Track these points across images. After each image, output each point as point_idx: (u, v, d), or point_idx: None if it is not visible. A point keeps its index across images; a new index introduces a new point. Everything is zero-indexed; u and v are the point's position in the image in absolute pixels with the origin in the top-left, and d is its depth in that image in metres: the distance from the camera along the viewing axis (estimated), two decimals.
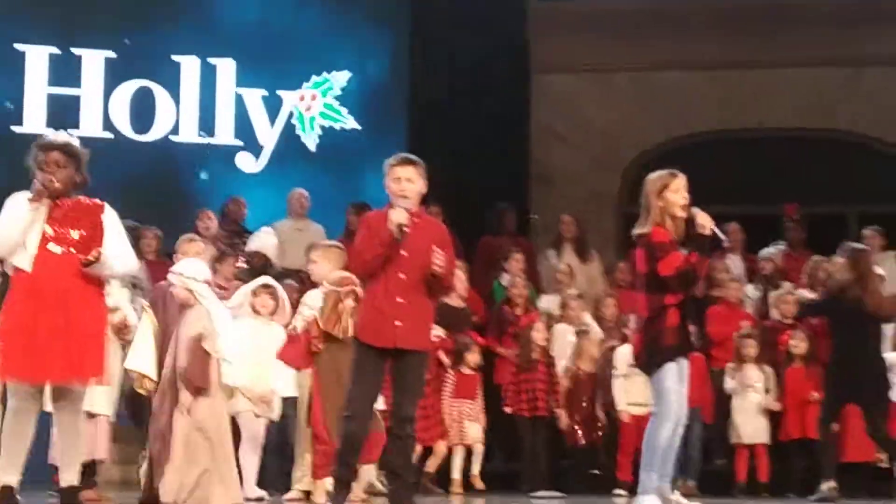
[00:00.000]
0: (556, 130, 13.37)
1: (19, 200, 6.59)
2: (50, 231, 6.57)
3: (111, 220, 6.74)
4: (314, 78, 12.79)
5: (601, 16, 13.25)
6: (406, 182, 6.71)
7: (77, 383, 6.61)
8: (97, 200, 6.75)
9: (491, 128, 12.55)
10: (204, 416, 7.02)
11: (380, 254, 6.65)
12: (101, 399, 7.76)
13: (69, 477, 6.66)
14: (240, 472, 7.45)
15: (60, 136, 6.82)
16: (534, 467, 9.84)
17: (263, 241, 11.21)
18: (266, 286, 8.68)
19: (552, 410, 9.89)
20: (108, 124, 12.25)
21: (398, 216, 6.60)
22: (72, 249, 6.57)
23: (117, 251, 6.67)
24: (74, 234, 6.61)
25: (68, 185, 6.65)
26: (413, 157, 6.82)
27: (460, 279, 9.86)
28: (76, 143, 6.78)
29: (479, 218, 11.85)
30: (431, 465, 9.84)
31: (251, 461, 8.48)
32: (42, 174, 6.59)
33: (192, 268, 7.57)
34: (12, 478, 6.59)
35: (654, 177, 7.10)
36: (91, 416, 7.69)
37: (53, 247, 6.57)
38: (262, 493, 8.39)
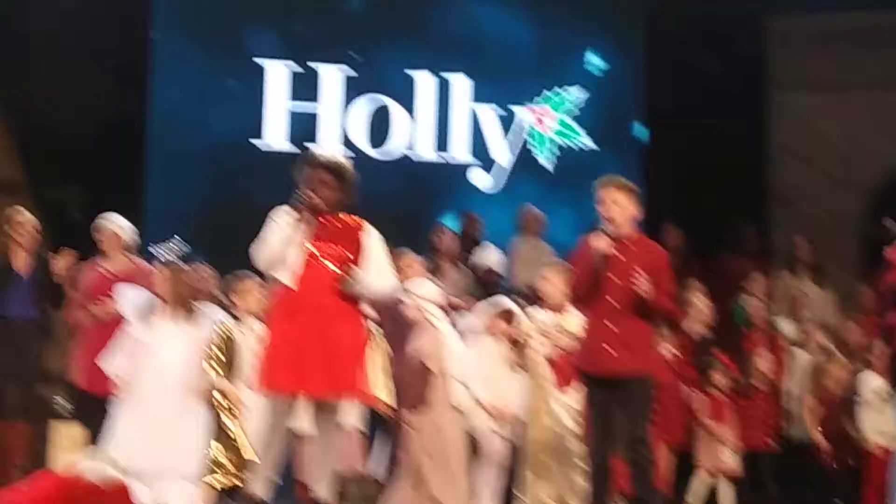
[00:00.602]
0: (795, 149, 13.07)
1: (282, 215, 6.65)
2: (312, 248, 6.62)
3: (371, 239, 6.76)
4: (545, 93, 12.74)
5: (840, 32, 12.91)
6: (612, 205, 6.64)
7: (335, 398, 6.65)
8: (358, 219, 6.77)
9: (726, 146, 12.32)
10: (429, 436, 7.04)
11: (584, 280, 6.60)
12: (352, 413, 7.83)
13: (321, 491, 6.73)
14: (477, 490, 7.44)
15: (328, 154, 6.87)
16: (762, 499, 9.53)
17: (490, 256, 11.20)
18: (506, 311, 8.61)
19: (770, 440, 9.60)
20: (345, 140, 12.39)
21: (598, 241, 6.55)
22: (333, 266, 6.62)
23: (374, 271, 6.69)
24: (335, 252, 6.65)
25: (332, 202, 6.69)
26: (620, 179, 6.76)
27: (700, 302, 9.70)
28: (345, 161, 6.81)
29: (716, 238, 11.65)
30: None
31: (489, 479, 8.45)
32: (306, 190, 6.65)
33: (423, 288, 7.61)
34: (262, 489, 6.72)
35: None
36: (343, 429, 7.76)
37: (315, 263, 6.62)
38: None
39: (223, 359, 7.33)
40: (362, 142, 12.41)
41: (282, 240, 6.60)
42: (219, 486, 7.48)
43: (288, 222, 6.62)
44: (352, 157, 11.96)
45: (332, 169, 6.72)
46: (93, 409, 8.83)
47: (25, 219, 9.44)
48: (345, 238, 6.69)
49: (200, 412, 7.36)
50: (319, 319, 6.56)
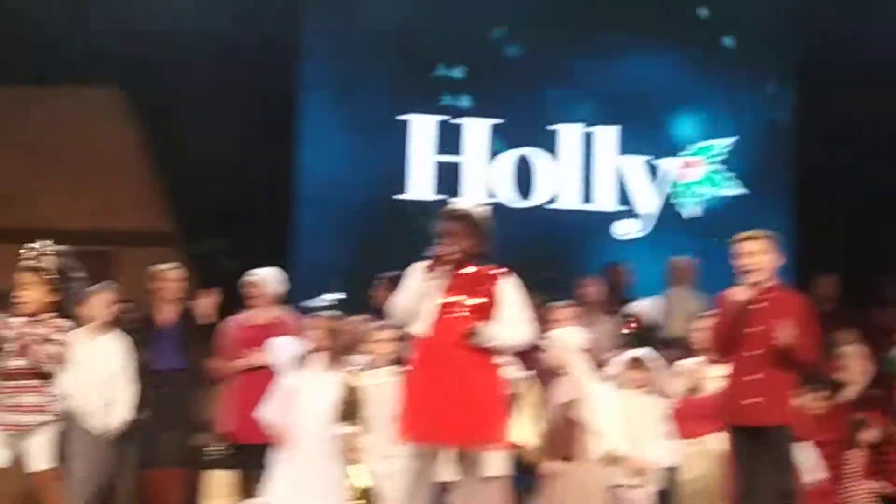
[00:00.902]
0: None
1: (417, 269, 6.70)
2: (448, 300, 6.64)
3: (506, 289, 6.73)
4: (698, 144, 12.66)
5: None
6: (747, 256, 6.66)
7: (473, 447, 6.64)
8: (494, 268, 6.75)
9: (878, 194, 12.08)
10: (571, 487, 6.99)
11: (723, 332, 6.60)
12: (497, 461, 7.81)
13: None
14: None
15: (462, 205, 6.90)
16: None
17: (643, 307, 11.11)
18: (636, 360, 8.52)
19: None
20: (489, 191, 12.43)
21: (737, 294, 6.56)
22: (468, 316, 6.63)
23: (508, 321, 6.67)
24: (471, 303, 6.65)
25: (468, 253, 6.69)
26: (756, 231, 6.74)
27: (854, 355, 9.49)
28: (480, 211, 6.82)
29: (873, 289, 11.40)
30: None
31: None
32: (440, 243, 6.68)
33: (567, 336, 7.57)
34: None
35: None
36: (485, 478, 7.74)
37: (451, 315, 6.63)
38: None
39: (347, 408, 7.42)
40: (506, 192, 12.44)
41: (415, 293, 6.64)
42: None
43: (422, 276, 6.65)
44: (495, 207, 12.30)
45: (465, 220, 6.73)
46: (244, 457, 8.99)
47: (168, 272, 9.63)
48: (478, 289, 6.68)
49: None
50: (456, 370, 6.57)
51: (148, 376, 8.98)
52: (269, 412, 7.94)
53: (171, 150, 13.31)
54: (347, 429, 7.43)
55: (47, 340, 6.69)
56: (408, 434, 6.66)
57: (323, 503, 7.41)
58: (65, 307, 6.63)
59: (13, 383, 6.60)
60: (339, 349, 7.84)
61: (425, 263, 6.70)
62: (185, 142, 13.03)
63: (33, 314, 6.59)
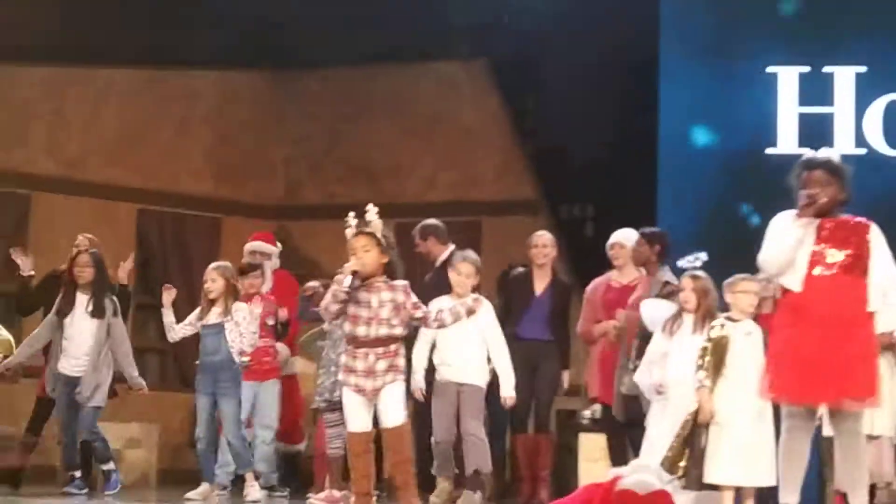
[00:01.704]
0: None
1: (786, 219, 6.55)
2: (819, 250, 6.50)
3: (878, 240, 6.58)
4: None
5: None
6: None
7: (850, 405, 6.44)
8: (863, 219, 6.61)
9: None
10: None
11: None
12: (881, 420, 7.55)
13: (856, 501, 6.55)
14: None
15: (823, 154, 6.75)
16: None
17: None
18: None
19: None
20: (860, 140, 11.97)
21: None
22: (838, 270, 6.50)
23: (884, 273, 6.50)
24: (840, 256, 6.50)
25: (833, 202, 6.57)
26: None
27: None
28: (837, 159, 6.70)
29: None
30: None
31: None
32: (805, 191, 6.55)
33: None
34: (792, 498, 6.60)
35: None
36: (872, 438, 7.48)
37: (821, 268, 6.49)
38: None
39: (712, 361, 7.27)
40: (878, 141, 11.95)
41: (789, 244, 6.50)
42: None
43: (793, 226, 6.52)
44: (866, 156, 11.86)
45: (828, 168, 6.60)
46: (614, 421, 9.00)
47: (544, 240, 9.72)
48: (849, 239, 6.53)
49: None
50: (828, 325, 6.43)
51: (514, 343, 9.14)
52: (642, 375, 7.94)
53: (532, 117, 13.45)
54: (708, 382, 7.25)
55: (415, 306, 6.82)
56: (782, 393, 6.57)
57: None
58: (392, 271, 6.74)
59: (370, 350, 6.74)
60: (709, 309, 7.72)
61: (792, 213, 6.59)
62: (546, 109, 13.13)
63: (367, 278, 6.74)
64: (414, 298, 6.85)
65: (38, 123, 12.72)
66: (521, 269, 9.82)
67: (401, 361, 6.80)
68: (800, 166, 6.69)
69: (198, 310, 8.95)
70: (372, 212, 6.80)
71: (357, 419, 6.77)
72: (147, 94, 13.25)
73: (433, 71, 13.60)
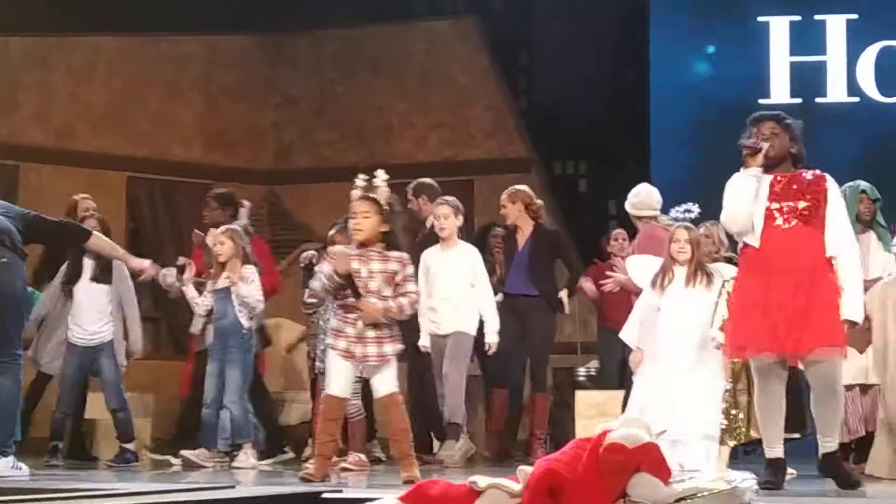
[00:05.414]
0: None
1: (740, 177, 6.55)
2: (772, 206, 6.46)
3: (835, 191, 6.55)
4: None
5: None
6: None
7: (817, 353, 6.41)
8: (817, 171, 6.56)
9: None
10: None
11: None
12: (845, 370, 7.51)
13: (827, 446, 6.51)
14: None
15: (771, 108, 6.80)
16: None
17: None
18: None
19: None
20: (853, 88, 11.90)
21: None
22: (797, 222, 6.45)
23: (839, 223, 6.50)
24: (797, 207, 6.46)
25: (781, 154, 6.51)
26: None
27: None
28: (788, 116, 6.63)
29: None
30: None
31: None
32: (748, 140, 6.53)
33: None
34: (777, 451, 6.55)
35: None
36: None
37: (780, 220, 6.46)
38: None
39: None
40: (871, 88, 11.87)
41: (746, 199, 6.47)
42: (732, 444, 7.53)
43: (745, 181, 6.48)
44: (859, 104, 11.81)
45: (778, 120, 6.55)
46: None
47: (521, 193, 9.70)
48: (806, 191, 6.48)
49: (712, 373, 7.47)
50: (788, 276, 6.37)
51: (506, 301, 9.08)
52: (630, 332, 7.85)
53: (524, 74, 13.35)
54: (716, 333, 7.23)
55: (406, 279, 6.70)
56: (747, 346, 6.54)
57: (687, 421, 7.31)
58: (391, 240, 6.64)
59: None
60: (703, 261, 7.68)
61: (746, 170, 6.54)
62: (538, 65, 13.04)
63: (363, 244, 6.64)
64: (409, 271, 6.71)
65: (25, 93, 12.61)
66: (499, 229, 9.87)
67: (393, 330, 6.72)
68: (750, 122, 6.60)
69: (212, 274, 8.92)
70: (381, 177, 6.68)
71: (338, 383, 6.68)
72: (135, 61, 13.14)
73: (423, 29, 13.50)
